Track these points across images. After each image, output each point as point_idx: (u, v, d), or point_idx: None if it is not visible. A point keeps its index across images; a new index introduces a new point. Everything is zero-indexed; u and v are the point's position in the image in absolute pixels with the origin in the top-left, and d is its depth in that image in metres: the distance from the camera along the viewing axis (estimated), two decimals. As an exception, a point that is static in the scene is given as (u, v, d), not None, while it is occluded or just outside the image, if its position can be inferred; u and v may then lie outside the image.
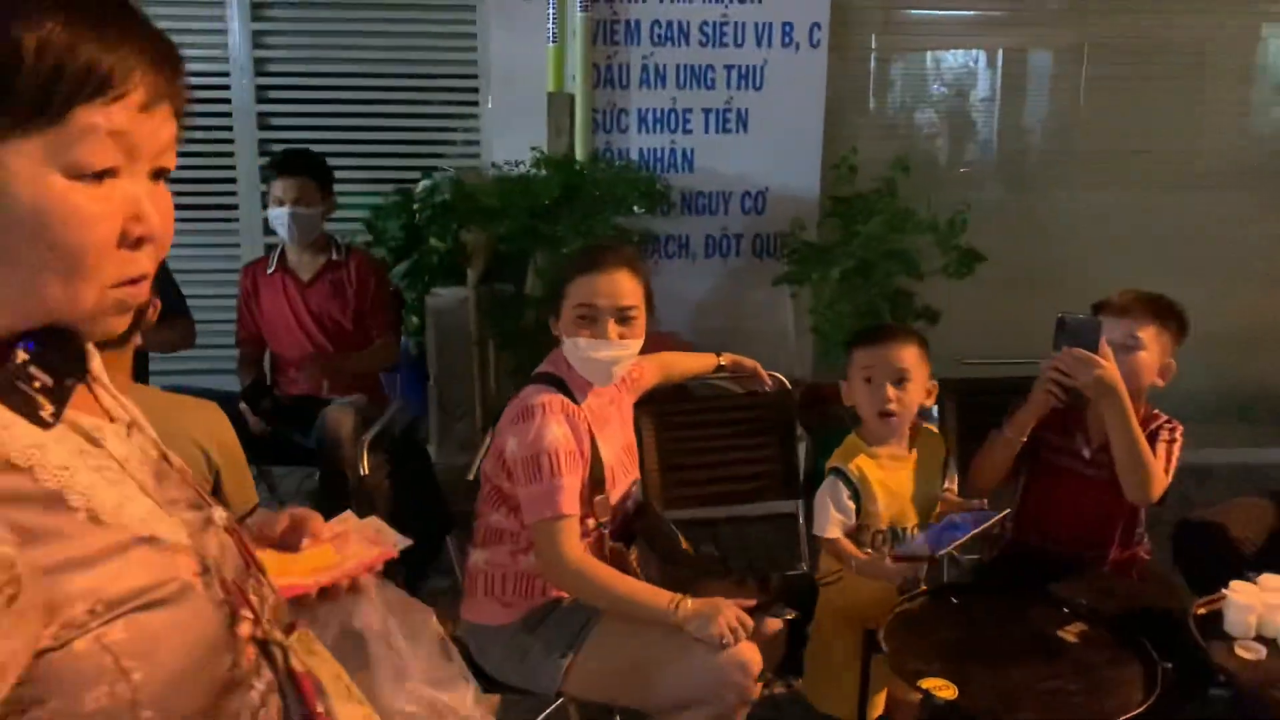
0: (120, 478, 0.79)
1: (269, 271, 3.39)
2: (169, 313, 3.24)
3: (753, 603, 2.09)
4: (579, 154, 3.92)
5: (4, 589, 0.66)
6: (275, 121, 4.16)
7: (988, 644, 2.01)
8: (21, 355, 0.75)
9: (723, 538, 3.64)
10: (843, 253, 3.73)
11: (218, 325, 3.75)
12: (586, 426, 2.12)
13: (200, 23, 4.05)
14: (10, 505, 0.69)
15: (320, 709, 0.87)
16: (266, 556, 1.04)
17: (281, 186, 3.23)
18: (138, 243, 0.78)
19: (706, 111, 4.04)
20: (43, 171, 0.72)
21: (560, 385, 2.14)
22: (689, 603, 2.00)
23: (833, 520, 2.22)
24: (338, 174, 3.78)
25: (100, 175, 0.75)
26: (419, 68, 4.17)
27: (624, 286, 2.11)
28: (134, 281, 0.78)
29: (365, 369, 3.39)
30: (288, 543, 1.11)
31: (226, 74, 4.09)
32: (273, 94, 4.15)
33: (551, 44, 3.90)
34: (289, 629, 0.90)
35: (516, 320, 3.60)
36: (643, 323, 2.16)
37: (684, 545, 2.32)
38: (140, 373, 3.33)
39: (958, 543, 2.11)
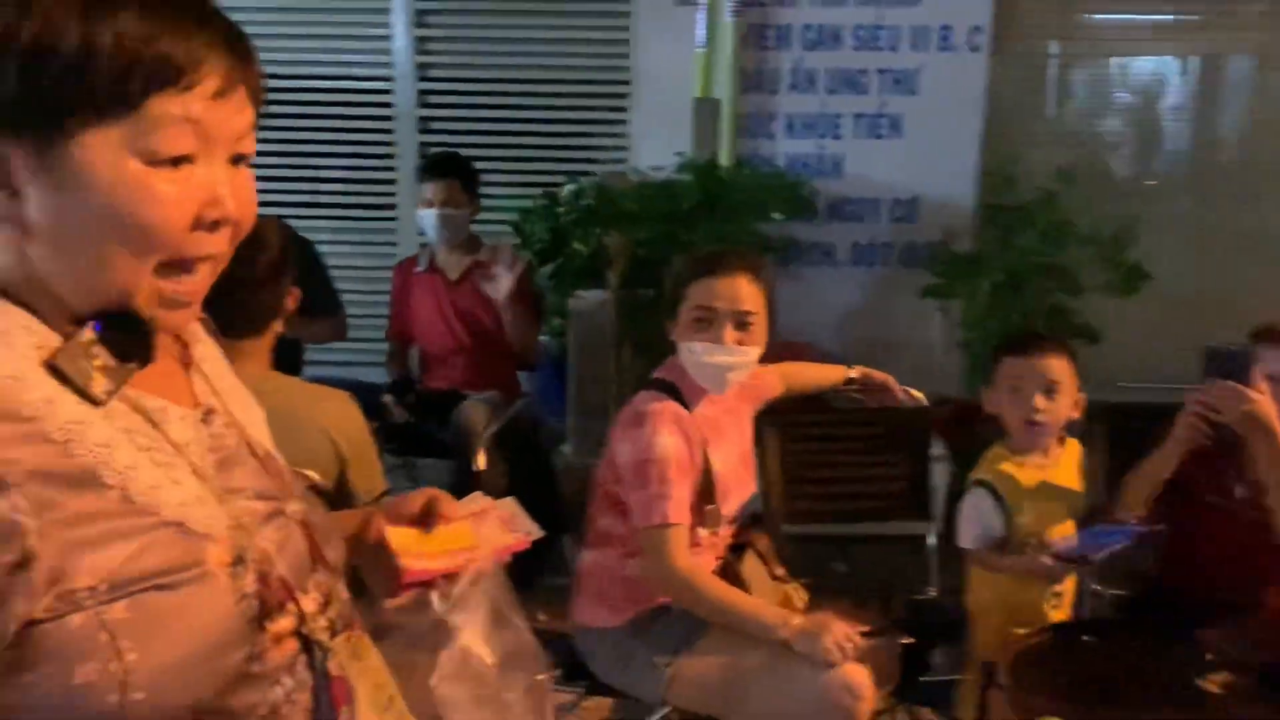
0: (170, 460, 0.82)
1: (418, 270, 3.50)
2: (321, 307, 3.41)
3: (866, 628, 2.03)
4: (724, 159, 3.90)
5: (6, 555, 0.69)
6: (435, 125, 4.30)
7: (1119, 688, 1.88)
8: (89, 333, 0.79)
9: (853, 556, 3.55)
10: (994, 265, 3.57)
11: (374, 320, 3.90)
12: (699, 435, 2.10)
13: (366, 29, 4.23)
14: (36, 478, 0.72)
15: (343, 717, 0.88)
16: (403, 534, 1.05)
17: (431, 189, 3.34)
18: (214, 225, 0.81)
19: (858, 116, 3.95)
20: (121, 156, 0.75)
21: (673, 392, 2.12)
22: (796, 618, 1.96)
23: (976, 531, 2.15)
24: (493, 177, 3.88)
25: (176, 161, 0.78)
26: (572, 73, 4.24)
27: (743, 291, 2.08)
28: (188, 268, 0.81)
29: (514, 341, 3.42)
30: (423, 521, 1.10)
31: (390, 79, 4.25)
32: (433, 99, 4.29)
33: (701, 49, 3.89)
34: (343, 629, 0.91)
35: (654, 325, 3.60)
36: (763, 330, 2.12)
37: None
38: (294, 363, 3.50)
39: (1112, 549, 2.01)
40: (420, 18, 4.21)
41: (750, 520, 2.29)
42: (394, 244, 4.35)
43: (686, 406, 2.11)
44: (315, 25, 4.21)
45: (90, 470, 0.75)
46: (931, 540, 2.67)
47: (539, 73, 4.24)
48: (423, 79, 4.26)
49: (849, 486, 2.69)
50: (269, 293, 1.92)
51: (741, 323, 2.08)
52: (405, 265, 3.57)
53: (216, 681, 0.78)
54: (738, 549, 2.19)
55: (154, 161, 0.76)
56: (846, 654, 1.90)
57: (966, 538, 2.18)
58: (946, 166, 3.95)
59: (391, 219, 4.37)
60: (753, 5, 3.87)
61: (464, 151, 4.10)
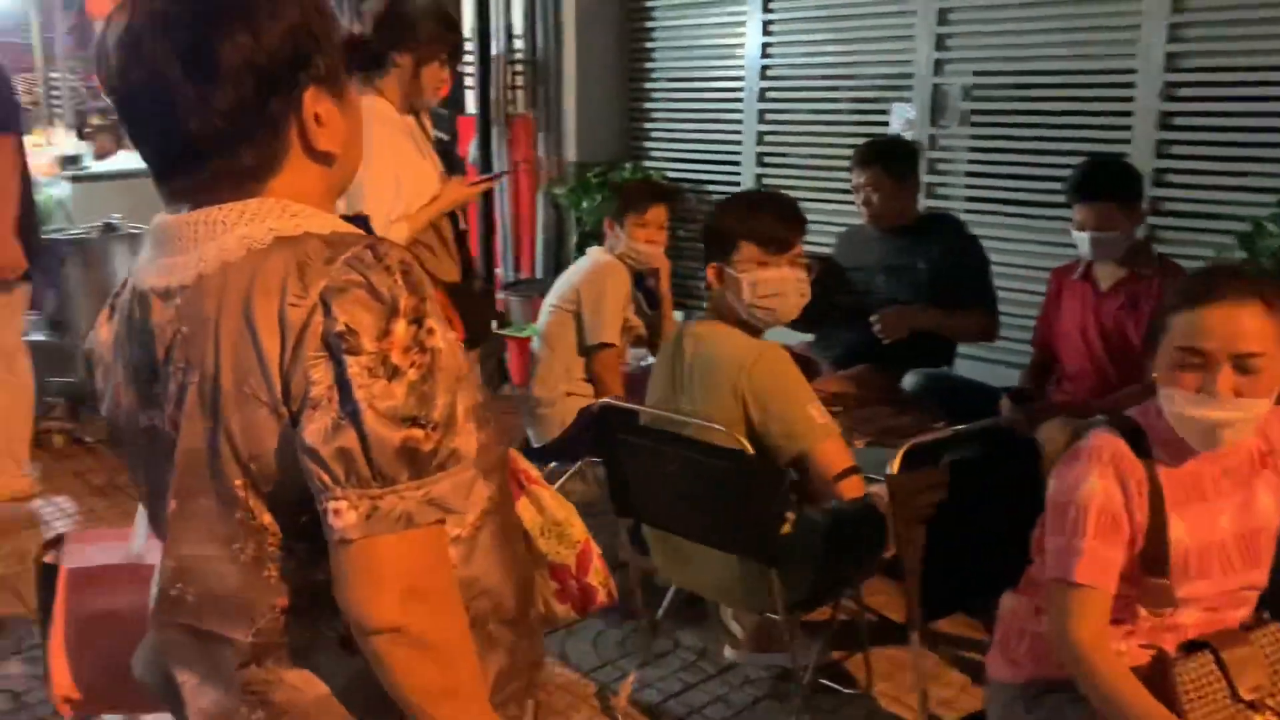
0: None
1: (1073, 277, 3.24)
2: (971, 303, 3.40)
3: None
4: None
5: None
6: (1179, 122, 3.83)
7: None
8: None
9: None
10: None
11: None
12: (1148, 490, 1.70)
13: (1112, 19, 3.94)
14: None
15: None
16: None
17: (1081, 211, 3.03)
18: None
19: None
20: None
21: (1135, 435, 1.74)
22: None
23: None
24: (1236, 180, 3.33)
25: None
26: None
27: (1246, 325, 1.62)
28: None
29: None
30: None
31: (1133, 70, 3.90)
32: (1184, 91, 3.82)
33: None
34: None
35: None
36: (1274, 376, 1.63)
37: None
38: (946, 357, 3.55)
39: None
40: (1179, 1, 3.77)
41: (1256, 623, 1.76)
42: (1073, 245, 4.00)
43: (1146, 454, 1.72)
44: (1062, 20, 4.07)
45: None
46: None
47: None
48: (1171, 69, 3.82)
49: None
50: None
51: (1243, 366, 1.62)
52: (1063, 270, 3.31)
53: None
54: (1194, 646, 1.71)
55: None
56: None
57: None
58: None
59: (1067, 219, 4.02)
60: None
61: (1207, 150, 3.65)
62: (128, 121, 1.05)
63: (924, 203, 4.45)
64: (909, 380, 3.31)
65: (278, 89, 1.02)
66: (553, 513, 1.30)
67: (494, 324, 3.58)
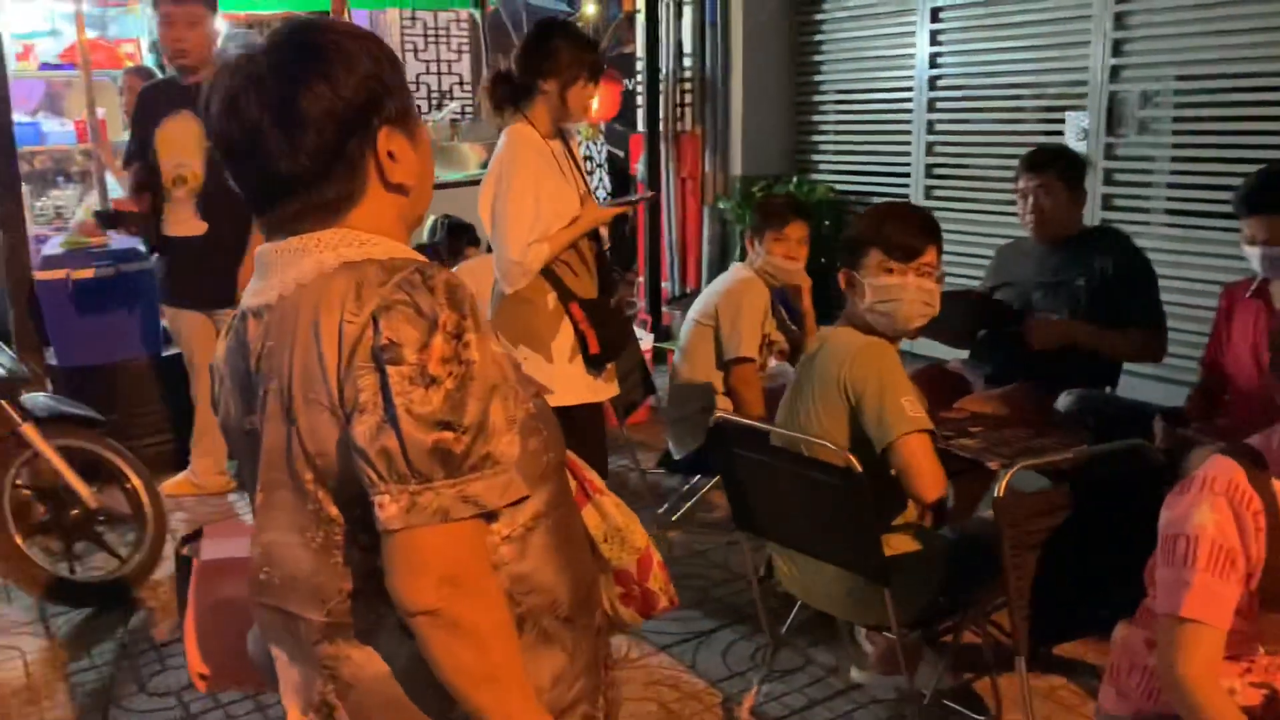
0: None
1: (1246, 294, 3.03)
2: (1132, 320, 3.24)
3: None
4: None
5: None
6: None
7: None
8: None
9: None
10: None
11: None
12: (1266, 522, 1.61)
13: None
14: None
15: None
16: None
17: (1252, 225, 2.84)
18: None
19: None
20: None
21: (1256, 462, 1.65)
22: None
23: None
24: None
25: None
26: None
27: None
28: None
29: None
30: None
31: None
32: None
33: None
34: None
35: None
36: None
37: None
38: (1110, 376, 3.40)
39: None
40: None
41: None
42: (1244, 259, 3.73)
43: (1269, 484, 1.63)
44: (1246, 20, 3.82)
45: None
46: None
47: None
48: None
49: None
50: None
51: None
52: (1236, 287, 3.10)
53: None
54: (1316, 694, 1.61)
55: None
56: None
57: None
58: None
59: (1234, 229, 3.74)
60: None
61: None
62: (230, 166, 1.20)
63: (1100, 215, 4.28)
64: (1063, 400, 3.18)
65: (354, 131, 1.16)
66: (614, 519, 1.37)
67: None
